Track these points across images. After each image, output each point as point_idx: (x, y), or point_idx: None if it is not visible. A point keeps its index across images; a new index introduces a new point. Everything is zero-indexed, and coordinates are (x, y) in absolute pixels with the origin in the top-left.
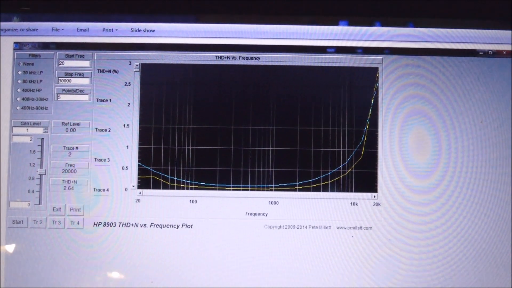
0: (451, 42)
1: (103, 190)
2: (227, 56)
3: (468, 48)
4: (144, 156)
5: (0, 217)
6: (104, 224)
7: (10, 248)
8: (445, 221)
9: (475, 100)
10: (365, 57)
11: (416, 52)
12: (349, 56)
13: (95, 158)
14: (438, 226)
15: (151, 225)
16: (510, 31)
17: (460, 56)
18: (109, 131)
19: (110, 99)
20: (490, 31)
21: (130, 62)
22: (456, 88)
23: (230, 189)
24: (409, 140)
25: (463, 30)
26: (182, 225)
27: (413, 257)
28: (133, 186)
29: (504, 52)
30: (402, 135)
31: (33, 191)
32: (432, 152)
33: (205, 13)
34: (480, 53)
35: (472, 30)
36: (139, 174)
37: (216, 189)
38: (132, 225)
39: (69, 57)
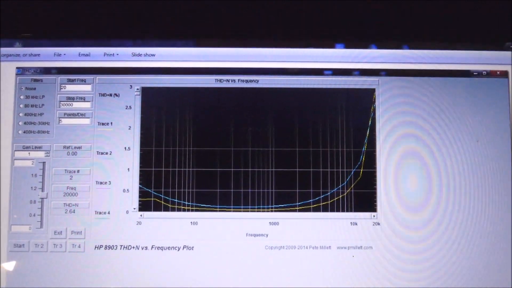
0: (446, 63)
1: (104, 213)
2: (227, 79)
3: (462, 69)
4: (145, 178)
5: (0, 241)
6: (106, 247)
7: (11, 272)
8: (446, 238)
9: (471, 119)
10: (362, 78)
11: (411, 73)
12: (346, 78)
13: (96, 181)
14: (438, 243)
15: (152, 247)
16: (503, 52)
17: (454, 76)
18: (110, 154)
19: (111, 123)
20: (483, 52)
21: (131, 86)
22: (452, 108)
23: (230, 211)
24: (406, 160)
25: (457, 51)
26: (183, 247)
27: (414, 276)
28: (134, 208)
29: (498, 73)
30: (400, 155)
31: (34, 215)
32: (429, 171)
33: (204, 38)
34: (475, 73)
35: (465, 51)
36: (140, 196)
37: (216, 211)
38: (134, 247)
39: (71, 81)
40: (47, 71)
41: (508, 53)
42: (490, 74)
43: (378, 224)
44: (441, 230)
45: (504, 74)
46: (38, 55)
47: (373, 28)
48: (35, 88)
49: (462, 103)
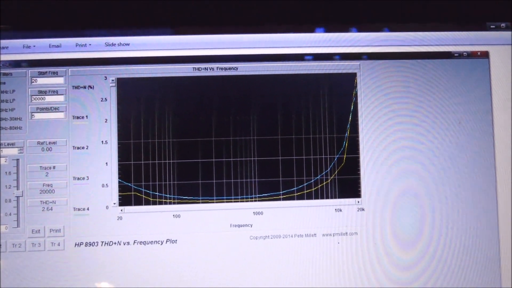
0: (427, 45)
1: (83, 209)
2: (205, 67)
3: (443, 50)
4: (124, 172)
5: None
6: (86, 244)
7: None
8: (431, 221)
9: (453, 101)
10: (343, 63)
11: (393, 56)
12: (327, 63)
13: (74, 177)
14: (424, 227)
15: (134, 242)
16: (483, 32)
17: (436, 58)
18: (86, 148)
19: (87, 116)
20: (464, 33)
21: (105, 77)
22: (434, 90)
23: (213, 202)
24: (390, 144)
25: (438, 33)
26: (167, 241)
27: (400, 261)
28: (114, 203)
29: (479, 53)
30: (383, 139)
31: (10, 214)
32: (413, 154)
33: (180, 25)
34: (456, 55)
35: (446, 33)
36: (119, 191)
37: (199, 202)
38: (115, 243)
39: (42, 74)
40: (16, 64)
41: (488, 33)
42: (471, 55)
43: (363, 209)
44: (427, 213)
45: (485, 54)
46: (7, 47)
47: (353, 11)
48: (5, 83)
49: (443, 85)
